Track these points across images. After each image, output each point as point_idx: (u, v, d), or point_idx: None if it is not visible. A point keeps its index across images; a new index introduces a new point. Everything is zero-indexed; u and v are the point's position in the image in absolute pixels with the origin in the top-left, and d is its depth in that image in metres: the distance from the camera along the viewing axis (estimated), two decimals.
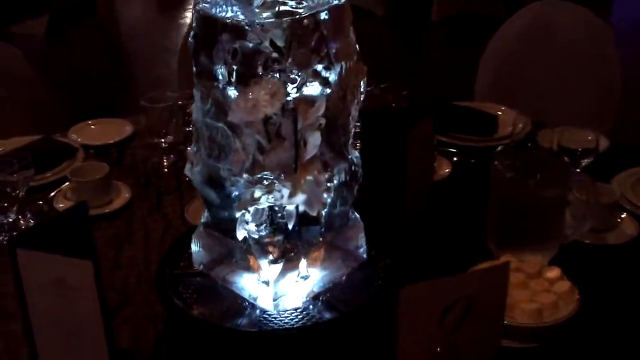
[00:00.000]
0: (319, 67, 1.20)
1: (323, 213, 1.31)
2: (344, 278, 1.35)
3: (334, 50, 1.21)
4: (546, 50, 2.46)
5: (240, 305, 1.29)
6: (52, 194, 1.73)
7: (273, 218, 1.21)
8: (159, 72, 3.86)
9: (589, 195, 1.46)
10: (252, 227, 1.21)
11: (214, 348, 1.25)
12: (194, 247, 1.33)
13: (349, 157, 1.30)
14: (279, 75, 1.12)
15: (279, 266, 1.23)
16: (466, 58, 2.94)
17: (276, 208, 1.21)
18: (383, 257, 1.39)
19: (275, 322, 1.26)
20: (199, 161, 1.25)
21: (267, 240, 1.22)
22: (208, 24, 1.13)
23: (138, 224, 1.64)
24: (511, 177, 1.43)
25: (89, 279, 1.14)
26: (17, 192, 1.60)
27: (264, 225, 1.21)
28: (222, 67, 1.12)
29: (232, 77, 1.12)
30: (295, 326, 1.24)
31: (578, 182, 1.47)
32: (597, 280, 1.44)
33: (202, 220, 1.32)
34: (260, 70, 1.11)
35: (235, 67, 1.11)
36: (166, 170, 1.84)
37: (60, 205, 1.69)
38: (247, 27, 1.09)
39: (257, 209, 1.20)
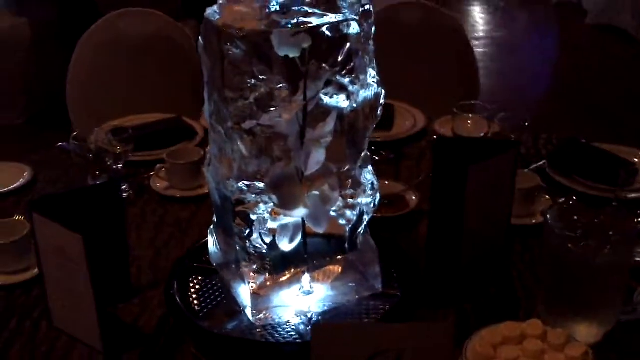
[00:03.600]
0: (341, 79, 1.17)
1: (347, 230, 1.27)
2: (348, 303, 1.29)
3: (357, 63, 1.16)
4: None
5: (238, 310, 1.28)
6: (151, 173, 1.82)
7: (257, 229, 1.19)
8: None
9: None
10: (240, 232, 1.20)
11: (197, 345, 1.26)
12: (210, 246, 1.35)
13: (360, 177, 1.23)
14: (263, 86, 1.09)
15: (261, 276, 1.21)
16: None
17: (267, 219, 1.19)
18: (395, 292, 1.30)
19: (262, 332, 1.23)
20: (210, 161, 1.26)
21: (252, 249, 1.20)
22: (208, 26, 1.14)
23: None
24: (566, 236, 1.26)
25: (81, 252, 1.20)
26: (111, 162, 1.72)
27: (254, 233, 1.19)
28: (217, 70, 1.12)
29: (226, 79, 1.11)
30: (268, 340, 1.21)
31: None
32: None
33: (214, 219, 1.33)
34: (247, 78, 1.09)
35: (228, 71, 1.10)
36: None
37: (157, 184, 1.79)
38: (235, 33, 1.08)
39: (247, 216, 1.19)
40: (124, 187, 1.77)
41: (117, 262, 1.37)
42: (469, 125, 1.86)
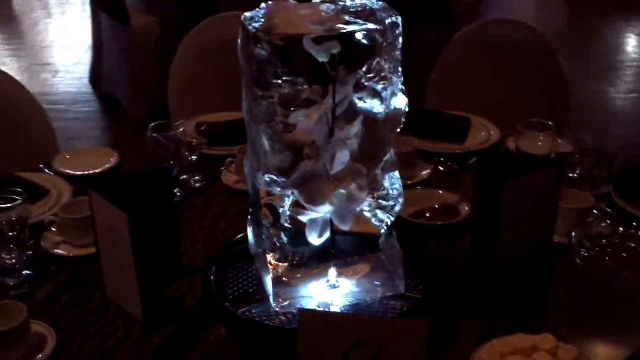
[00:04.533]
0: (374, 85, 1.24)
1: (383, 230, 1.33)
2: (370, 300, 1.34)
3: (385, 67, 1.23)
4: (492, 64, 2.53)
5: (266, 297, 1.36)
6: (222, 167, 1.94)
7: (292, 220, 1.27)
8: None
9: None
10: (266, 222, 1.28)
11: (224, 326, 1.35)
12: (249, 235, 1.43)
13: (383, 180, 1.29)
14: (287, 87, 1.17)
15: (285, 266, 1.29)
16: None
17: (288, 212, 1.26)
18: (417, 295, 1.35)
19: (283, 319, 1.31)
20: (248, 155, 1.35)
21: (275, 240, 1.28)
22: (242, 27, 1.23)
23: None
24: (588, 256, 1.27)
25: (126, 230, 1.33)
26: (187, 153, 1.85)
27: (278, 224, 1.27)
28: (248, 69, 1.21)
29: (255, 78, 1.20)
30: (284, 327, 1.28)
31: None
32: None
33: (250, 210, 1.42)
34: (272, 78, 1.17)
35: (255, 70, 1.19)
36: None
37: (227, 177, 1.90)
38: (262, 35, 1.16)
39: (273, 207, 1.27)
40: (197, 177, 1.90)
41: (168, 244, 1.49)
42: (539, 143, 1.86)
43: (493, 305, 1.44)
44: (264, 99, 1.19)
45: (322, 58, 1.19)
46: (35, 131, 2.26)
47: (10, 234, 1.49)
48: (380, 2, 1.28)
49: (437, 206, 1.74)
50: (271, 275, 1.30)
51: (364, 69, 1.24)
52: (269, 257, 1.30)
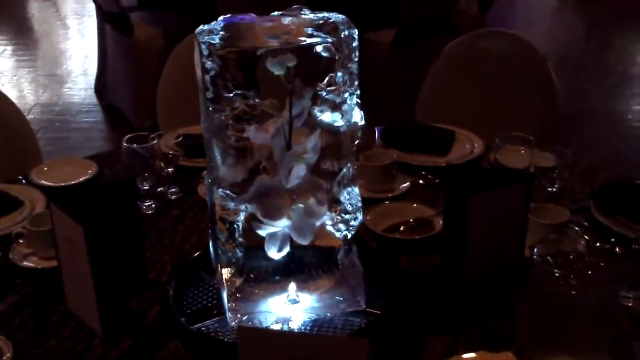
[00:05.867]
0: (334, 97, 1.22)
1: (342, 245, 1.31)
2: (330, 316, 1.32)
3: (341, 79, 1.21)
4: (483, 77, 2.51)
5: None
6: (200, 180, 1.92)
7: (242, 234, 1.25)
8: None
9: None
10: (222, 237, 1.26)
11: (181, 340, 1.33)
12: (211, 250, 1.42)
13: (340, 197, 1.27)
14: (238, 101, 1.16)
15: (240, 281, 1.27)
16: None
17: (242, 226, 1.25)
18: (377, 311, 1.32)
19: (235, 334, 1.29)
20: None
21: (230, 254, 1.26)
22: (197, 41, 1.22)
23: None
24: (550, 272, 1.24)
25: (83, 242, 1.31)
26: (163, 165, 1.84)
27: (233, 238, 1.25)
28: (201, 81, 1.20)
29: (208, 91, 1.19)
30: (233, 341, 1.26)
31: None
32: None
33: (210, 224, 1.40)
34: (221, 91, 1.16)
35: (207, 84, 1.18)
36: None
37: (204, 191, 1.88)
38: (212, 49, 1.15)
39: (228, 222, 1.25)
40: (173, 189, 1.89)
41: (131, 257, 1.47)
42: (519, 157, 1.84)
43: (460, 322, 1.41)
44: (216, 112, 1.18)
45: (277, 71, 1.18)
46: (20, 143, 2.26)
47: None
48: (342, 16, 1.26)
49: (411, 220, 1.71)
50: (227, 290, 1.28)
51: (324, 82, 1.22)
52: (225, 271, 1.28)
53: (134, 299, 1.47)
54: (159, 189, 1.87)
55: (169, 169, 1.86)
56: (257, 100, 1.16)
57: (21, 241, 1.62)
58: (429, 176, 1.96)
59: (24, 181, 1.94)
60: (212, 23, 1.23)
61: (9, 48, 6.57)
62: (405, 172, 1.96)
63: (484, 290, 1.45)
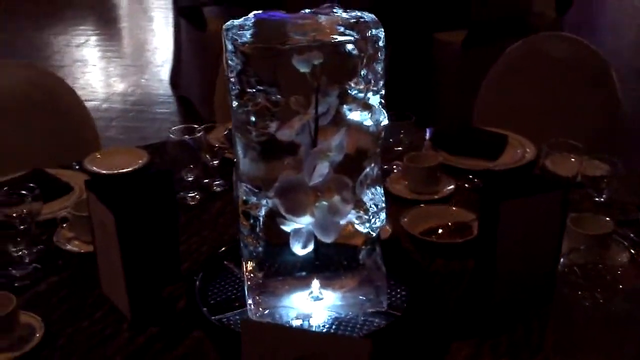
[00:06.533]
0: (361, 95, 1.22)
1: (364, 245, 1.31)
2: (351, 315, 1.32)
3: (366, 79, 1.21)
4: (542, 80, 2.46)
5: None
6: None
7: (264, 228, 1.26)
8: None
9: None
10: (244, 231, 1.28)
11: (203, 330, 1.36)
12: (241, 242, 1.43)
13: (363, 197, 1.27)
14: (261, 97, 1.16)
15: (262, 274, 1.28)
16: None
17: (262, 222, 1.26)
18: (397, 313, 1.31)
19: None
20: None
21: (252, 248, 1.27)
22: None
23: None
24: (576, 284, 1.21)
25: (113, 229, 1.35)
26: (208, 158, 1.86)
27: (255, 232, 1.27)
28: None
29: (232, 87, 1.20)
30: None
31: None
32: None
33: None
34: (246, 88, 1.17)
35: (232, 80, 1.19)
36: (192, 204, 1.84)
37: None
38: (237, 45, 1.16)
39: (250, 216, 1.26)
40: (218, 182, 1.91)
41: (165, 246, 1.51)
42: (568, 165, 1.79)
43: (487, 329, 1.39)
44: (239, 107, 1.19)
45: (303, 68, 1.19)
46: (81, 132, 2.34)
47: (22, 227, 1.55)
48: (372, 15, 1.26)
49: (450, 224, 1.69)
50: (248, 283, 1.29)
51: (353, 81, 1.22)
52: (248, 265, 1.29)
53: (166, 287, 1.50)
54: (204, 181, 1.90)
55: (215, 162, 1.89)
56: (279, 97, 1.17)
57: (65, 225, 1.67)
58: (475, 180, 1.93)
59: (77, 167, 2.00)
60: (242, 19, 1.25)
61: (93, 38, 6.78)
62: (452, 175, 1.94)
63: (514, 297, 1.43)
